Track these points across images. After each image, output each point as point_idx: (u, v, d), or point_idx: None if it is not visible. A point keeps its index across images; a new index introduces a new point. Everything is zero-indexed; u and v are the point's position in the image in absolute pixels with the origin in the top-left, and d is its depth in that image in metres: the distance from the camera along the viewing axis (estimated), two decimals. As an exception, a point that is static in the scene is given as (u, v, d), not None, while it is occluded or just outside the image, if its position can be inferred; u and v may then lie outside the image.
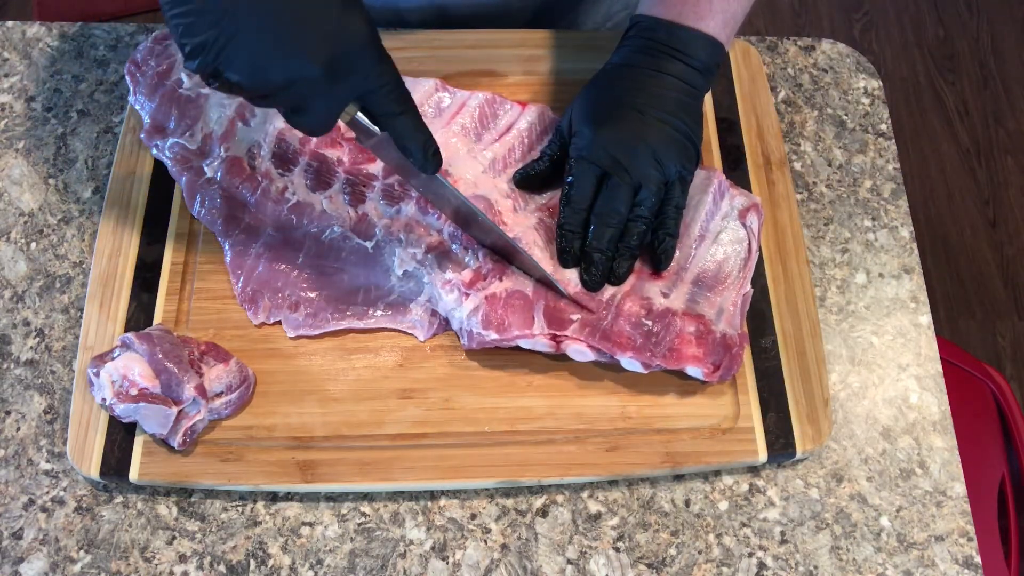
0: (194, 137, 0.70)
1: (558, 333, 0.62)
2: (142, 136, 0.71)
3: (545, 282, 0.64)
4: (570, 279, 0.64)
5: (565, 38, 0.78)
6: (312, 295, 0.66)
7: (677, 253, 0.66)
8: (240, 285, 0.66)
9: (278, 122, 0.70)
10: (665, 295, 0.64)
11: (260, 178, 0.69)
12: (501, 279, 0.63)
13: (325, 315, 0.65)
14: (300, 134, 0.70)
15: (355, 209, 0.68)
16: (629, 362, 0.62)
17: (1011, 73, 1.91)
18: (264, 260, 0.67)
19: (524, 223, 0.66)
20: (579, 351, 0.62)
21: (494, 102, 0.72)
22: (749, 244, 0.66)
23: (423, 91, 0.73)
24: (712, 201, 0.68)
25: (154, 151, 0.70)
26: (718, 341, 0.62)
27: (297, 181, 0.69)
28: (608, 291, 0.64)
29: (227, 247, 0.67)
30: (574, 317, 0.63)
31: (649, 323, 0.62)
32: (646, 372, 0.63)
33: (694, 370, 0.62)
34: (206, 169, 0.69)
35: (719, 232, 0.67)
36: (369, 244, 0.67)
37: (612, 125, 0.64)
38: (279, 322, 0.66)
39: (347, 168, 0.69)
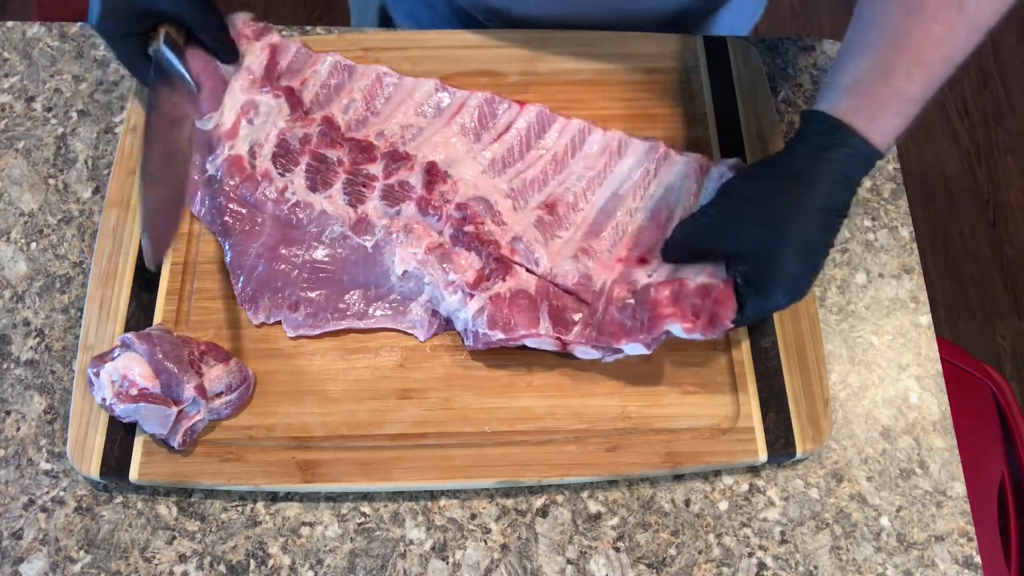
0: (210, 120, 0.70)
1: (563, 337, 0.62)
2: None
3: (548, 279, 0.64)
4: (568, 272, 0.64)
5: (565, 38, 0.78)
6: (312, 295, 0.66)
7: (662, 240, 0.66)
8: (240, 285, 0.66)
9: (280, 122, 0.70)
10: (649, 276, 0.64)
11: (260, 178, 0.69)
12: (504, 279, 0.64)
13: (325, 315, 0.65)
14: (301, 134, 0.70)
15: (355, 210, 0.68)
16: (632, 347, 0.61)
17: (1011, 73, 1.91)
18: (264, 260, 0.67)
19: (524, 222, 0.67)
20: (585, 351, 0.63)
21: (493, 102, 0.72)
22: None
23: (423, 91, 0.73)
24: (695, 183, 0.68)
25: None
26: (692, 291, 0.60)
27: (297, 182, 0.69)
28: (599, 280, 0.64)
29: (227, 247, 0.67)
30: (576, 317, 0.63)
31: (632, 302, 0.62)
32: (650, 351, 0.61)
33: (676, 328, 0.60)
34: (208, 167, 0.69)
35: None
36: (369, 243, 0.67)
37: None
38: (279, 322, 0.66)
39: (347, 168, 0.69)
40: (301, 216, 0.68)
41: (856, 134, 0.55)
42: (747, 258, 0.58)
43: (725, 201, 0.60)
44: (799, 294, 0.58)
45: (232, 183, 0.69)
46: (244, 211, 0.68)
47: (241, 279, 0.67)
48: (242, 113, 0.70)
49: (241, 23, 0.73)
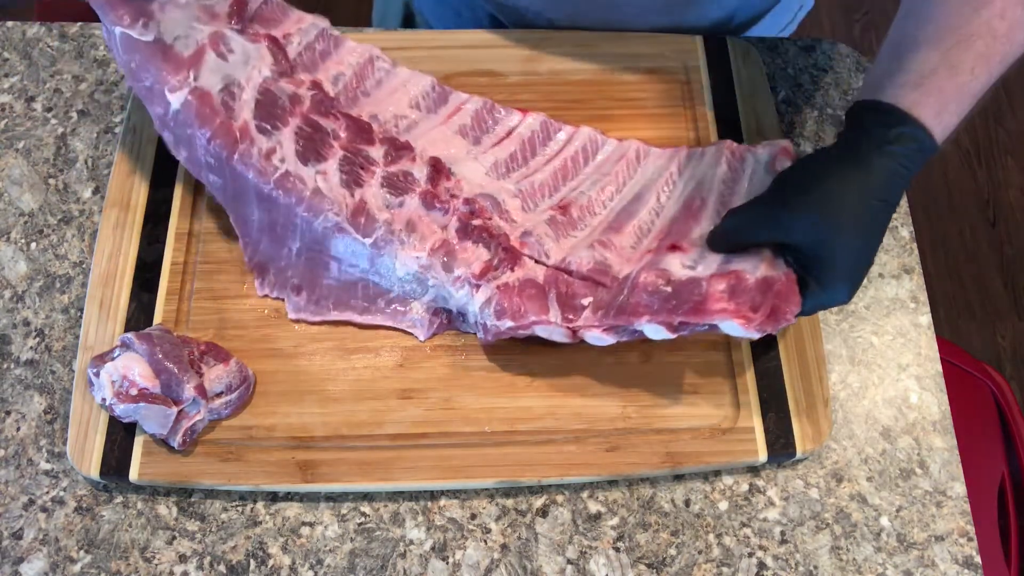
0: (148, 30, 0.61)
1: (571, 325, 0.60)
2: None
3: (561, 268, 0.63)
4: (583, 259, 0.62)
5: (565, 38, 0.78)
6: (316, 281, 0.66)
7: (697, 229, 0.64)
8: (248, 253, 0.67)
9: (263, 69, 0.65)
10: (691, 267, 0.60)
11: (239, 135, 0.62)
12: (513, 269, 0.63)
13: (327, 303, 0.65)
14: (290, 89, 0.65)
15: (351, 193, 0.64)
16: (655, 330, 0.58)
17: (1011, 73, 1.91)
18: (266, 236, 0.66)
19: (536, 219, 0.66)
20: (597, 337, 0.60)
21: (493, 108, 0.71)
22: None
23: (419, 87, 0.72)
24: (728, 169, 0.67)
25: (105, 34, 0.64)
26: (752, 285, 0.56)
27: (287, 145, 0.63)
28: (624, 269, 0.62)
29: (226, 207, 0.66)
30: (585, 302, 0.60)
31: (668, 289, 0.57)
32: (674, 336, 0.58)
33: (730, 326, 0.56)
34: (169, 97, 0.61)
35: (746, 193, 0.65)
36: (367, 242, 0.63)
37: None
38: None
39: (344, 144, 0.65)
40: (289, 193, 0.62)
41: (924, 128, 0.55)
42: (806, 250, 0.57)
43: (783, 190, 0.59)
44: (856, 288, 0.57)
45: (204, 136, 0.61)
46: (224, 173, 0.63)
47: (248, 247, 0.67)
48: (209, 44, 0.63)
49: None
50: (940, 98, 0.55)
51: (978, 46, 0.55)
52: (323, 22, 0.71)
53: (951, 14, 0.56)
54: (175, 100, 0.61)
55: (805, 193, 0.57)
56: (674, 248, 0.61)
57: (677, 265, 0.60)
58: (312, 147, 0.64)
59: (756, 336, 0.57)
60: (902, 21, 0.59)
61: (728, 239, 0.61)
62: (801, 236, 0.56)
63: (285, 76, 0.66)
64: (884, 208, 0.56)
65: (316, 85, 0.67)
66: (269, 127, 0.63)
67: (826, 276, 0.56)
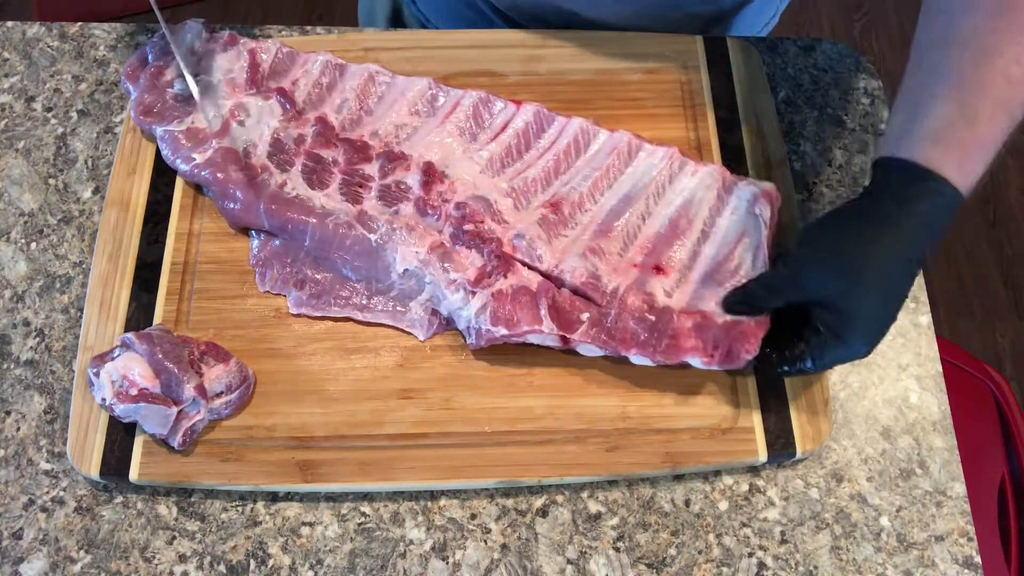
0: (182, 124, 0.70)
1: (568, 335, 0.62)
2: (131, 112, 0.70)
3: (550, 278, 0.64)
4: (575, 268, 0.63)
5: (565, 38, 0.78)
6: (318, 276, 0.67)
7: (680, 251, 0.66)
8: (256, 248, 0.68)
9: (272, 121, 0.70)
10: (668, 294, 0.64)
11: (259, 169, 0.68)
12: (506, 276, 0.63)
13: (328, 298, 0.66)
14: (295, 134, 0.70)
15: (353, 207, 0.68)
16: (637, 357, 0.62)
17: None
18: (279, 231, 0.67)
19: (527, 219, 0.66)
20: (588, 348, 0.63)
21: (488, 101, 0.72)
22: (761, 232, 0.66)
23: (416, 90, 0.72)
24: (716, 197, 0.68)
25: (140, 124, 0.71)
26: (719, 327, 0.61)
27: (296, 179, 0.69)
28: (611, 282, 0.64)
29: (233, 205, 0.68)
30: (583, 317, 0.62)
31: (652, 318, 0.62)
32: (654, 364, 0.62)
33: (694, 359, 0.61)
34: (196, 156, 0.69)
35: (727, 228, 0.67)
36: (373, 237, 0.66)
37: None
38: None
39: (342, 168, 0.69)
40: (299, 211, 0.67)
41: (947, 183, 0.54)
42: (830, 308, 0.57)
43: (809, 251, 0.59)
44: (876, 343, 0.57)
45: (229, 169, 0.68)
46: (242, 193, 0.68)
47: (257, 242, 0.68)
48: (231, 117, 0.70)
49: (195, 34, 0.73)
50: (961, 150, 0.54)
51: (994, 93, 0.54)
52: (324, 55, 0.74)
53: (964, 63, 0.55)
54: (200, 158, 0.68)
55: (828, 253, 0.57)
56: (658, 270, 0.65)
57: (660, 290, 0.64)
58: (316, 178, 0.69)
59: (717, 369, 0.62)
60: (914, 72, 0.58)
61: (752, 304, 0.62)
62: (825, 297, 0.57)
63: (293, 121, 0.71)
64: (908, 267, 0.56)
65: (320, 120, 0.71)
66: (279, 169, 0.69)
67: (847, 333, 0.57)
